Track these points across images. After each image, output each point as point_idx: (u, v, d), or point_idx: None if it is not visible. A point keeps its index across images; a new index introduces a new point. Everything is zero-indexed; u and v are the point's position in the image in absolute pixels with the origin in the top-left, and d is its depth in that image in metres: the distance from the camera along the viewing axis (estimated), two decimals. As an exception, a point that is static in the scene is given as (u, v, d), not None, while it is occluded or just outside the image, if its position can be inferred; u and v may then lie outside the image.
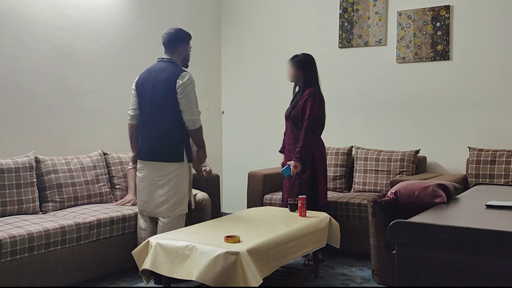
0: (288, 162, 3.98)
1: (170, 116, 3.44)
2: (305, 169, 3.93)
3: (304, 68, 4.03)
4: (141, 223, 3.59)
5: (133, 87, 3.63)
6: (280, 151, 4.25)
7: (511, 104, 4.44)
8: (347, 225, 4.13)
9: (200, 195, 4.10)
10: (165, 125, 3.45)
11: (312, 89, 3.97)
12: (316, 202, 3.95)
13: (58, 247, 3.28)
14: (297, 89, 4.13)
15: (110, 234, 3.63)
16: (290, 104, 4.11)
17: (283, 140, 4.19)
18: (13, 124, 3.95)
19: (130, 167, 4.09)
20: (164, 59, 3.53)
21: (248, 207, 4.63)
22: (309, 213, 3.64)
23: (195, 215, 3.96)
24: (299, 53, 4.13)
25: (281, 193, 4.61)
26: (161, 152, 3.46)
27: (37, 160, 3.82)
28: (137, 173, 3.61)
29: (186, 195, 3.56)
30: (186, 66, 3.67)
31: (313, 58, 4.09)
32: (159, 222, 3.51)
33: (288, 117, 4.05)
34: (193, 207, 3.70)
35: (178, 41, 3.53)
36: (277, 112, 5.55)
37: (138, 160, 3.60)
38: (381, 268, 2.52)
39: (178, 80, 3.38)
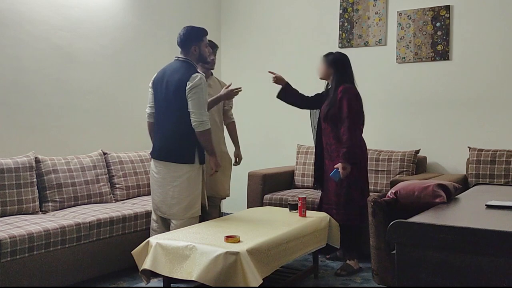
0: (335, 166, 3.74)
1: (182, 117, 3.38)
2: (353, 169, 3.73)
3: (336, 66, 3.91)
4: (154, 216, 3.56)
5: (150, 84, 3.58)
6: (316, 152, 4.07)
7: (511, 104, 4.45)
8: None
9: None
10: (176, 126, 3.40)
11: (345, 85, 3.83)
12: (358, 203, 3.78)
13: (58, 247, 3.28)
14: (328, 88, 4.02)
15: (110, 234, 3.63)
16: (325, 103, 3.94)
17: (322, 142, 3.97)
18: (13, 124, 3.95)
19: None
20: (180, 58, 3.49)
21: (248, 207, 4.62)
22: (309, 213, 3.64)
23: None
24: (333, 51, 4.04)
25: (281, 193, 4.61)
26: (172, 153, 3.41)
27: (37, 160, 3.82)
28: (152, 172, 3.54)
29: (199, 197, 3.50)
30: (206, 63, 3.70)
31: (347, 57, 3.97)
32: (171, 224, 3.47)
33: (326, 117, 3.88)
34: (207, 209, 3.67)
35: (188, 41, 3.48)
36: (277, 112, 5.56)
37: (152, 159, 3.54)
38: (381, 268, 2.52)
39: (188, 82, 3.33)
